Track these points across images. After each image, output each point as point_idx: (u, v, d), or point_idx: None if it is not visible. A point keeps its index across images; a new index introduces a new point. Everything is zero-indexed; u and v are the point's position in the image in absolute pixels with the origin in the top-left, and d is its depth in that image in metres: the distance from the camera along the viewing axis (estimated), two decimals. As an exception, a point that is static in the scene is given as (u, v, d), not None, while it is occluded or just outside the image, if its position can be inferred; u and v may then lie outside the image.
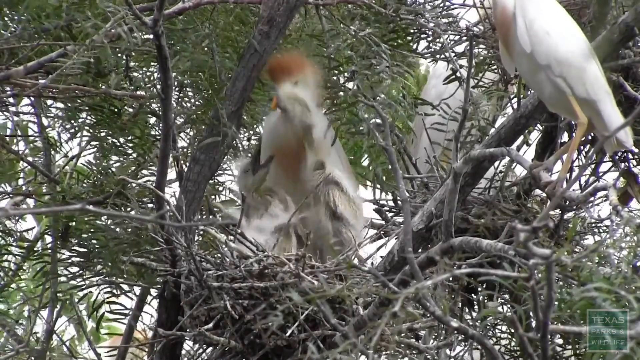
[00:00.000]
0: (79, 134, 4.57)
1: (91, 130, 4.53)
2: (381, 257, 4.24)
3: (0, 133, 4.71)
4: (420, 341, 4.05)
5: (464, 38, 4.62)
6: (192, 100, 4.57)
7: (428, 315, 3.67)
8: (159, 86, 3.90)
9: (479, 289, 4.53)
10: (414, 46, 4.57)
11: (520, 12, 3.73)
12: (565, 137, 4.63)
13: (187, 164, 4.33)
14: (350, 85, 4.34)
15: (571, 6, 4.27)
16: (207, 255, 4.07)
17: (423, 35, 4.60)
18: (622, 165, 4.60)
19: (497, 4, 3.80)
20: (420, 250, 4.04)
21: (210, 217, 4.56)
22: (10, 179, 4.93)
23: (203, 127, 4.46)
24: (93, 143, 4.57)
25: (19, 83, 4.17)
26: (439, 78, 4.78)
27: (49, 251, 4.63)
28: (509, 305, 4.42)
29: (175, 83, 4.39)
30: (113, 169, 4.53)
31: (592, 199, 4.19)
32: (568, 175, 3.81)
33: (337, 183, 4.21)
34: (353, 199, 4.24)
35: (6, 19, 4.34)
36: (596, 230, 4.51)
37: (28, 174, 5.00)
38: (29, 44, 4.22)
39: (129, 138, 4.53)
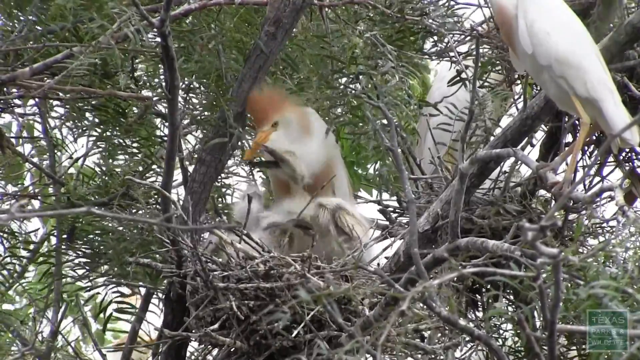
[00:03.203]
0: (85, 135, 4.57)
1: (97, 131, 4.53)
2: (386, 258, 4.25)
3: (5, 134, 4.69)
4: (425, 342, 4.05)
5: (468, 38, 4.63)
6: (197, 102, 4.57)
7: (433, 316, 3.67)
8: (165, 87, 3.90)
9: (484, 290, 4.54)
10: (420, 44, 4.57)
11: (522, 13, 3.73)
12: (569, 137, 4.64)
13: (193, 165, 4.33)
14: (354, 86, 4.34)
15: (576, 6, 4.27)
16: (212, 256, 4.08)
17: (430, 39, 4.60)
18: (627, 165, 4.61)
19: (495, 4, 3.81)
20: (425, 251, 4.04)
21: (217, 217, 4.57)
22: (16, 180, 4.93)
23: (207, 129, 4.46)
24: (99, 144, 4.57)
25: (25, 84, 4.16)
26: (443, 81, 4.78)
27: (55, 252, 4.63)
28: (513, 306, 4.43)
29: (182, 84, 4.39)
30: (118, 170, 4.53)
31: (597, 199, 4.20)
32: (573, 175, 3.81)
33: (343, 208, 4.23)
34: (359, 218, 4.26)
35: (14, 16, 4.34)
36: (601, 230, 4.52)
37: (35, 175, 5.01)
38: (34, 45, 4.22)
39: (135, 139, 4.53)
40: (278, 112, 4.30)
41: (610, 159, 4.65)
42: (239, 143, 4.39)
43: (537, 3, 3.74)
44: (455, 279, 3.84)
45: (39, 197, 4.76)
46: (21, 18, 4.30)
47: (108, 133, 4.51)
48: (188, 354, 4.31)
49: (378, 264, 4.20)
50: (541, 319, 2.79)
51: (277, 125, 4.30)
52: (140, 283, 4.44)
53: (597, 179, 4.69)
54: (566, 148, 4.34)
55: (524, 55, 3.74)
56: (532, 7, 3.73)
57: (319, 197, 4.22)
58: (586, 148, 4.64)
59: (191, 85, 4.49)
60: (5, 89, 4.25)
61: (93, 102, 4.45)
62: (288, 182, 4.30)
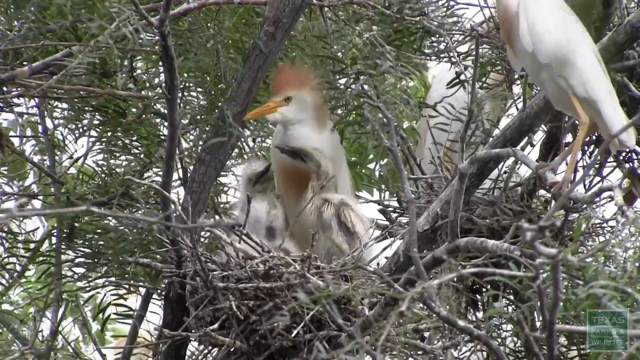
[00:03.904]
0: (84, 135, 4.57)
1: (97, 131, 4.53)
2: (386, 258, 4.25)
3: (6, 132, 4.70)
4: (425, 342, 4.05)
5: (468, 38, 4.62)
6: (196, 102, 4.57)
7: (433, 316, 3.67)
8: (164, 86, 3.89)
9: (484, 290, 4.53)
10: (419, 45, 4.57)
11: (523, 11, 3.74)
12: (569, 137, 4.64)
13: (193, 165, 4.33)
14: (354, 86, 4.34)
15: (576, 6, 4.27)
16: (212, 256, 4.08)
17: (428, 40, 4.60)
18: (626, 165, 4.61)
19: (500, 2, 3.81)
20: (425, 251, 4.03)
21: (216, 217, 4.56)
22: (19, 178, 4.93)
23: (207, 128, 4.46)
24: (98, 144, 4.57)
25: (24, 83, 4.16)
26: (442, 82, 4.78)
27: (54, 252, 4.63)
28: (513, 306, 4.42)
29: (181, 84, 4.39)
30: (118, 170, 4.53)
31: (597, 199, 4.20)
32: (572, 175, 3.81)
33: (348, 204, 4.24)
34: (362, 217, 4.26)
35: (12, 15, 4.33)
36: (600, 230, 4.51)
37: (37, 174, 5.00)
38: (33, 45, 4.22)
39: (134, 138, 4.53)
40: (296, 88, 4.31)
41: (610, 159, 4.64)
42: (238, 143, 4.38)
43: (538, 2, 3.75)
44: (455, 279, 3.84)
45: (39, 197, 4.76)
46: (21, 17, 4.28)
47: (108, 133, 4.51)
48: (189, 353, 4.30)
49: (378, 264, 4.19)
50: (541, 319, 2.79)
51: (289, 100, 4.31)
52: (140, 283, 4.44)
53: (597, 179, 4.69)
54: (566, 148, 4.34)
55: (524, 54, 3.74)
56: (533, 5, 3.73)
57: (323, 193, 4.24)
58: (586, 148, 4.64)
59: (190, 85, 4.48)
60: (4, 88, 4.24)
61: (93, 102, 4.45)
62: (302, 177, 4.29)
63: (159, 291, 4.44)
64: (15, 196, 4.81)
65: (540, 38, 3.70)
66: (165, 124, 4.30)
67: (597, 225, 4.52)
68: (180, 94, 4.44)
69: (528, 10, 3.73)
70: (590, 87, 3.67)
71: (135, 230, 4.38)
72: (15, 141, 4.81)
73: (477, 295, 4.60)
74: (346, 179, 4.43)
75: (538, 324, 3.26)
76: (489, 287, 4.33)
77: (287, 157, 4.29)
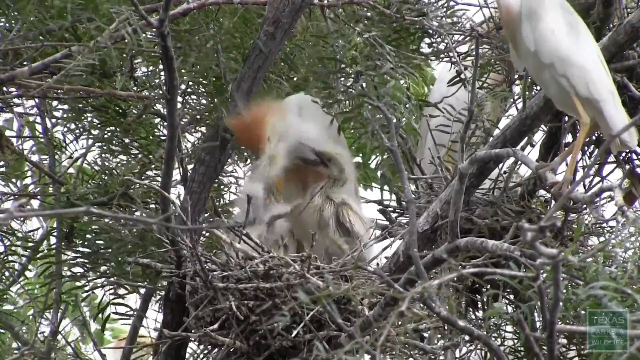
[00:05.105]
0: (84, 135, 4.57)
1: (96, 132, 4.53)
2: (386, 258, 4.25)
3: (4, 133, 4.70)
4: (425, 342, 4.05)
5: (468, 38, 4.62)
6: (196, 102, 4.57)
7: (433, 316, 3.67)
8: (164, 87, 3.90)
9: (484, 290, 4.53)
10: (418, 45, 4.57)
11: (526, 11, 3.74)
12: (569, 137, 4.64)
13: (193, 165, 4.33)
14: (355, 86, 4.34)
15: (577, 6, 4.27)
16: (212, 256, 4.08)
17: (428, 40, 4.60)
18: (626, 166, 4.61)
19: (502, 3, 3.81)
20: (425, 251, 4.03)
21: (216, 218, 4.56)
22: (18, 178, 4.93)
23: (205, 128, 4.46)
24: (98, 144, 4.57)
25: (24, 84, 4.16)
26: (443, 82, 4.78)
27: (54, 252, 4.63)
28: (513, 306, 4.42)
29: (181, 84, 4.39)
30: (117, 170, 4.53)
31: (597, 199, 4.20)
32: (572, 175, 3.81)
33: (348, 204, 4.23)
34: (362, 217, 4.26)
35: (12, 16, 4.34)
36: (600, 230, 4.51)
37: (35, 174, 5.01)
38: (33, 45, 4.22)
39: (134, 139, 4.53)
40: (265, 131, 4.26)
41: (611, 159, 4.64)
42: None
43: (541, 2, 3.75)
44: (455, 279, 3.84)
45: (39, 197, 4.76)
46: (21, 18, 4.29)
47: (108, 134, 4.51)
48: (189, 353, 4.30)
49: (377, 264, 4.19)
50: (541, 319, 2.79)
51: (269, 139, 4.27)
52: (140, 283, 4.44)
53: (597, 179, 4.69)
54: (566, 148, 4.34)
55: (527, 53, 3.75)
56: (536, 5, 3.73)
57: (328, 190, 4.24)
58: (586, 148, 4.64)
59: (189, 87, 4.48)
60: (4, 88, 4.24)
61: (92, 103, 4.45)
62: (308, 178, 4.29)
63: (158, 291, 4.44)
64: (15, 196, 4.81)
65: (543, 38, 3.70)
66: (165, 124, 4.30)
67: (598, 225, 4.53)
68: (183, 94, 4.46)
69: (530, 10, 3.73)
70: (592, 86, 3.67)
71: (134, 230, 4.38)
72: (15, 141, 4.82)
73: (477, 295, 4.60)
74: (350, 176, 4.41)
75: (538, 324, 3.26)
76: (489, 287, 4.33)
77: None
